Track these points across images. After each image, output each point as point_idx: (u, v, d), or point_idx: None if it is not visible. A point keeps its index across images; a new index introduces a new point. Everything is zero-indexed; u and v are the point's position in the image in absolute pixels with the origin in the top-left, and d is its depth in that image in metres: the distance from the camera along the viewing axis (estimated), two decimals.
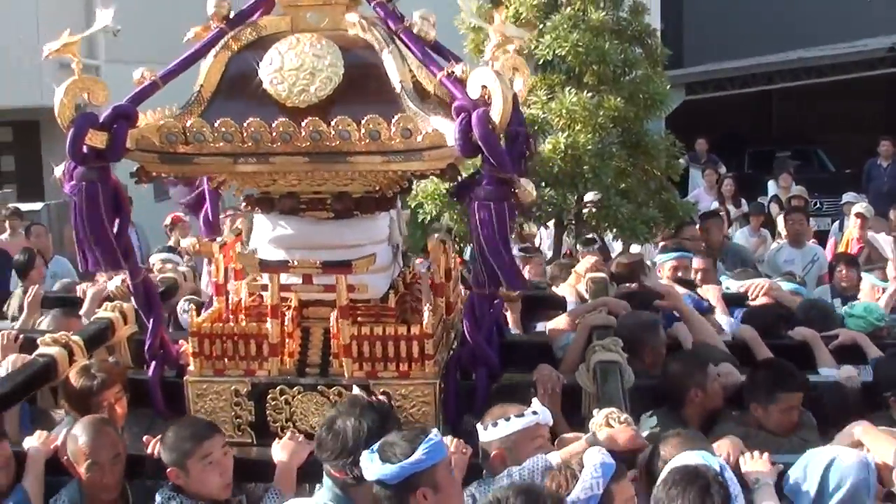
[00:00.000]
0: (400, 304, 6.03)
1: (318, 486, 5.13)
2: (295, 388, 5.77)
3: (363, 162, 5.35)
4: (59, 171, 5.61)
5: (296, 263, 5.73)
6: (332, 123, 5.26)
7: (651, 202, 11.32)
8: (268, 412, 5.79)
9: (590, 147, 10.64)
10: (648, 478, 4.83)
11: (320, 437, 4.88)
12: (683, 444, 4.86)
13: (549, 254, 12.07)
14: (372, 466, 4.38)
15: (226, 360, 5.84)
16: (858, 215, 13.55)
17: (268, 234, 5.91)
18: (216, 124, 5.34)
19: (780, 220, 14.16)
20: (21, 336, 6.99)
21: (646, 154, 11.34)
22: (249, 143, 5.33)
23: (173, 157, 5.47)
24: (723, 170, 20.99)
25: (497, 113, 5.10)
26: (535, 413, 5.08)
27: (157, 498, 5.22)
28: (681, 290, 7.74)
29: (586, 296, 7.67)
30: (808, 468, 4.94)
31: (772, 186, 19.56)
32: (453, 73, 5.38)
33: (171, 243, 12.24)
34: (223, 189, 6.03)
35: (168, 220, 13.24)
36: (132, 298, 6.26)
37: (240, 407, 5.81)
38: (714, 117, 24.51)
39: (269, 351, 5.78)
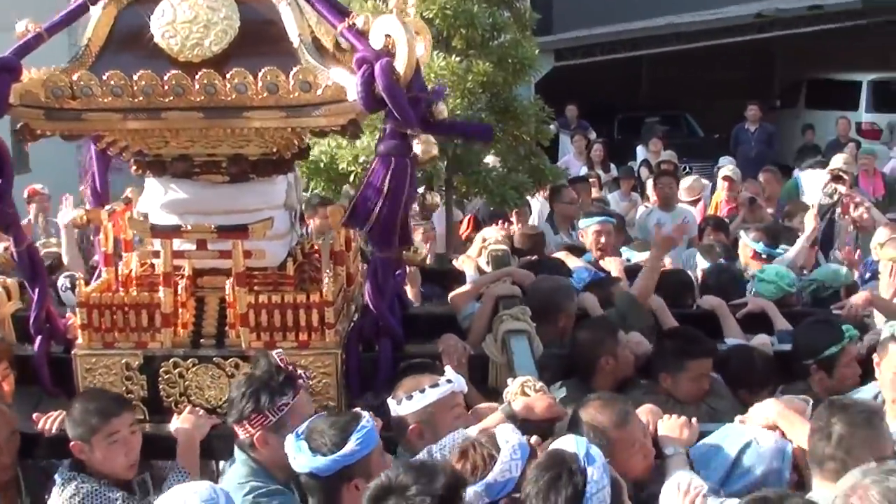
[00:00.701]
0: (298, 272, 5.78)
1: (224, 464, 4.92)
2: (189, 361, 5.50)
3: (261, 118, 5.10)
4: None
5: (189, 228, 5.46)
6: (228, 76, 5.01)
7: (520, 167, 11.11)
8: (161, 386, 5.51)
9: (459, 112, 10.36)
10: None
11: (230, 399, 4.75)
12: (604, 407, 4.73)
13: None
14: (301, 457, 4.23)
15: (116, 332, 5.54)
16: (726, 178, 13.79)
17: (160, 199, 5.62)
18: (105, 77, 5.06)
19: (649, 185, 14.32)
20: None
21: (515, 119, 11.04)
22: (140, 98, 5.06)
23: (60, 112, 5.17)
24: (593, 135, 21.30)
25: (402, 63, 4.89)
26: (449, 381, 4.87)
27: (57, 479, 4.94)
28: (576, 262, 7.60)
29: (487, 269, 7.47)
30: (723, 444, 4.83)
31: (641, 151, 19.95)
32: (354, 24, 5.17)
33: (31, 217, 11.84)
34: (112, 151, 5.72)
35: (25, 194, 12.63)
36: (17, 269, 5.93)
37: (131, 381, 5.52)
38: (584, 84, 24.49)
39: (162, 322, 5.49)
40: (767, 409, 5.02)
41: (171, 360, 5.49)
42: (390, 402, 4.88)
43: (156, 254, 5.58)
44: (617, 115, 26.25)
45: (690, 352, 5.90)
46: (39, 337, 5.83)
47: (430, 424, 4.78)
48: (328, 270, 5.61)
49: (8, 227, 5.44)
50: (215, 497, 3.92)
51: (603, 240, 9.44)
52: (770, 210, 13.33)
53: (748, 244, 8.97)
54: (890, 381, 5.35)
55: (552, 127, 11.80)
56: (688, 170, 19.94)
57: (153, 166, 5.62)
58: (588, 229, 9.56)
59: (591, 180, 14.94)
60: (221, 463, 5.27)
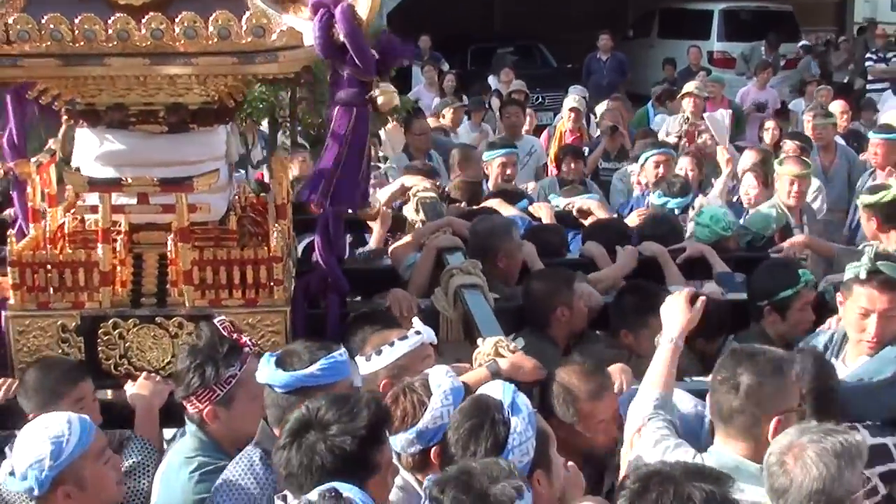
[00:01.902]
0: (239, 227, 5.58)
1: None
2: (130, 321, 5.25)
3: (211, 64, 4.89)
4: None
5: (130, 181, 5.21)
6: (177, 20, 4.78)
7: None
8: (100, 348, 5.26)
9: None
10: (544, 409, 4.55)
11: (177, 373, 4.54)
12: (584, 375, 4.65)
13: None
14: (265, 370, 4.21)
15: (50, 291, 5.28)
16: (572, 109, 13.88)
17: (94, 151, 5.35)
18: (43, 20, 4.78)
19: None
20: None
21: None
22: (81, 43, 4.80)
23: None
24: (445, 67, 21.16)
25: (364, 8, 4.73)
26: (418, 333, 4.73)
27: (7, 452, 4.55)
28: (510, 210, 7.52)
29: (414, 216, 7.34)
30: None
31: (493, 81, 19.81)
32: None
33: None
34: (43, 99, 5.43)
35: None
36: None
37: (68, 344, 5.26)
38: (437, 15, 24.39)
39: (100, 280, 5.23)
40: None
41: (111, 320, 5.24)
42: (359, 359, 4.71)
43: (93, 209, 5.31)
44: (470, 46, 25.93)
45: (652, 308, 5.73)
46: None
47: (402, 377, 4.58)
48: (276, 225, 5.41)
49: None
50: (63, 436, 3.84)
51: (509, 171, 9.61)
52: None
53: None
54: (854, 321, 5.31)
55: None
56: (540, 100, 20.12)
57: (86, 116, 5.35)
58: (492, 162, 9.61)
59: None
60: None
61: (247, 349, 4.50)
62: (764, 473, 3.74)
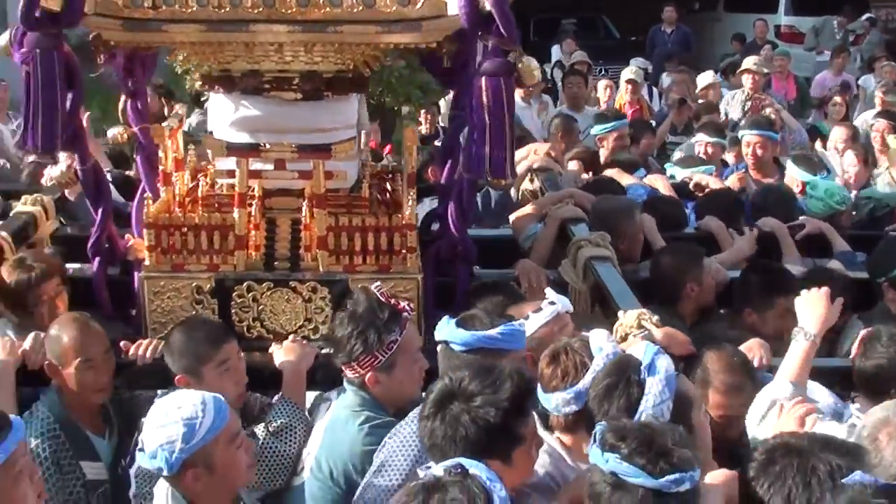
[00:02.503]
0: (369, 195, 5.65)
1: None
2: (264, 284, 5.34)
3: (355, 32, 4.95)
4: (4, 38, 5.06)
5: (268, 147, 5.29)
6: None
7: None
8: (233, 311, 5.35)
9: None
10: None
11: (336, 339, 4.53)
12: (728, 366, 4.67)
13: None
14: (446, 328, 4.35)
15: (186, 254, 5.37)
16: (629, 81, 13.68)
17: (229, 116, 5.41)
18: None
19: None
20: None
21: None
22: (227, 9, 4.87)
23: (138, 23, 4.95)
24: None
25: None
26: (552, 304, 4.76)
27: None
28: (628, 179, 7.53)
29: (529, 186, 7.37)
30: None
31: (555, 52, 19.72)
32: None
33: None
34: (182, 65, 5.50)
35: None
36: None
37: (202, 306, 5.34)
38: None
39: (235, 243, 5.32)
40: None
41: (245, 283, 5.33)
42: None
43: (229, 173, 5.39)
44: (532, 18, 25.51)
45: (779, 289, 5.76)
46: (98, 259, 5.66)
47: (543, 350, 4.52)
48: (410, 192, 5.47)
49: (74, 145, 5.23)
50: (197, 418, 3.78)
51: (624, 143, 9.56)
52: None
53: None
54: None
55: None
56: (603, 72, 19.95)
57: (222, 82, 5.41)
58: (608, 136, 9.54)
59: None
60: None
61: (405, 314, 4.51)
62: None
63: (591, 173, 8.23)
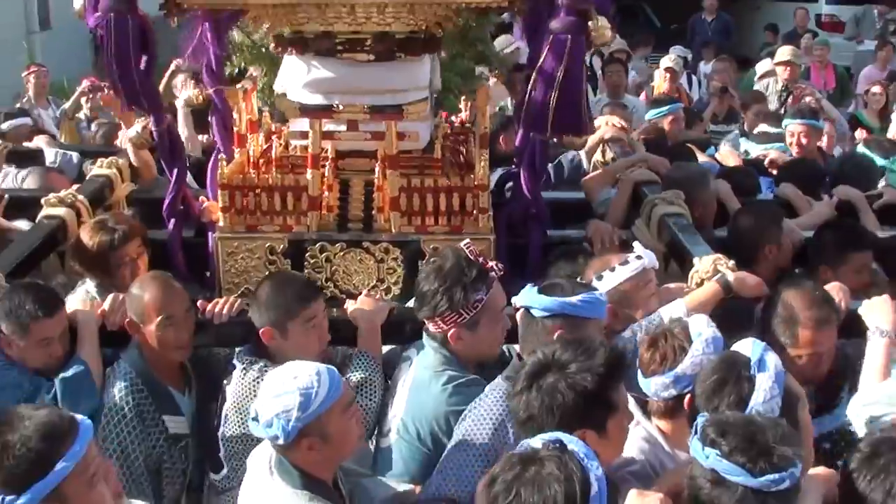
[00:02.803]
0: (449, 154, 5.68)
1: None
2: (337, 245, 5.39)
3: None
4: (78, 3, 5.15)
5: (341, 108, 5.33)
6: None
7: (465, 54, 10.88)
8: (306, 271, 5.40)
9: None
10: (764, 329, 4.59)
11: (421, 293, 4.58)
12: (811, 301, 4.59)
13: None
14: (527, 294, 4.32)
15: (259, 214, 5.43)
16: (668, 70, 13.48)
17: (302, 78, 5.46)
18: None
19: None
20: (6, 196, 6.50)
21: None
22: None
23: None
24: None
25: None
26: (639, 258, 4.77)
27: (237, 363, 4.78)
28: (701, 157, 7.52)
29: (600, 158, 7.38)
30: None
31: None
32: None
33: (86, 111, 11.60)
34: (256, 26, 5.56)
35: (85, 86, 12.05)
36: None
37: (275, 266, 5.41)
38: None
39: (308, 204, 5.37)
40: None
41: (318, 244, 5.39)
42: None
43: (302, 134, 5.44)
44: None
45: (853, 244, 5.79)
46: (173, 220, 5.74)
47: (624, 303, 4.68)
48: (482, 153, 5.49)
49: (150, 106, 5.30)
50: (312, 388, 3.81)
51: (679, 126, 9.51)
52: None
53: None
54: None
55: (505, 16, 11.57)
56: (644, 60, 19.87)
57: (294, 43, 5.46)
58: (664, 119, 9.48)
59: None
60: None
61: (492, 274, 4.54)
62: None
63: None
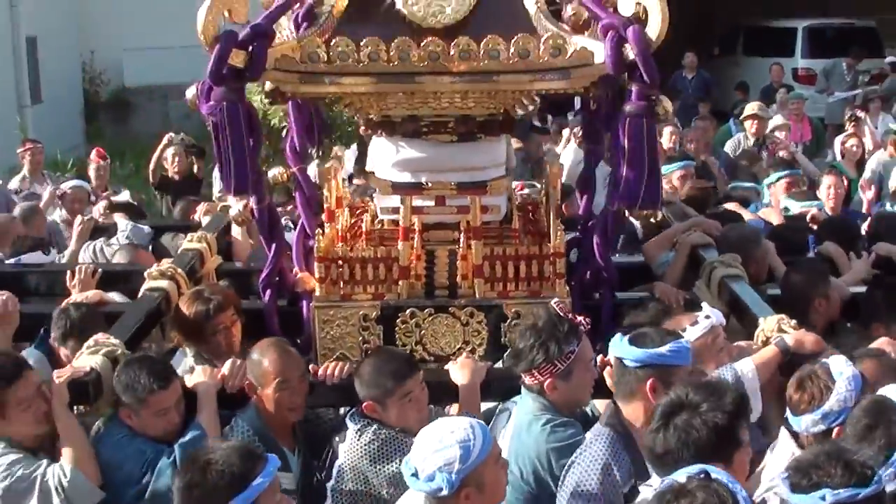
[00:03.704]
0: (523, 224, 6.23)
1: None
2: (426, 311, 5.89)
3: (511, 81, 5.51)
4: (190, 92, 5.68)
5: (430, 185, 5.89)
6: (483, 42, 5.40)
7: None
8: (397, 336, 5.90)
9: None
10: None
11: (518, 349, 5.09)
12: (879, 366, 5.06)
13: None
14: (619, 346, 4.79)
15: (353, 284, 5.94)
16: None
17: (391, 158, 6.00)
18: (362, 43, 5.43)
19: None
20: (99, 270, 7.03)
21: None
22: (395, 63, 5.44)
23: (314, 77, 5.54)
24: None
25: (654, 30, 5.30)
26: (707, 317, 5.31)
27: (350, 424, 5.27)
28: (746, 214, 8.08)
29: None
30: None
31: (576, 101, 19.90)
32: None
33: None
34: (350, 112, 6.11)
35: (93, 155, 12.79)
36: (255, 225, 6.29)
37: (368, 332, 5.91)
38: None
39: (399, 273, 5.89)
40: None
41: (409, 310, 5.89)
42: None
43: (394, 210, 5.98)
44: None
45: None
46: (269, 290, 6.25)
47: (697, 359, 5.12)
48: (557, 223, 6.02)
49: (255, 186, 5.79)
50: (470, 441, 4.16)
51: (688, 184, 10.10)
52: (703, 156, 13.27)
53: None
54: None
55: None
56: None
57: (384, 126, 6.01)
58: (671, 174, 10.10)
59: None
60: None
61: (581, 327, 5.07)
62: None
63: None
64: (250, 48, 5.39)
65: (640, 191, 5.56)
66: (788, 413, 4.69)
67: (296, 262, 6.43)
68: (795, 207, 9.05)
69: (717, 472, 3.65)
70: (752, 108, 14.58)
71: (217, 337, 6.04)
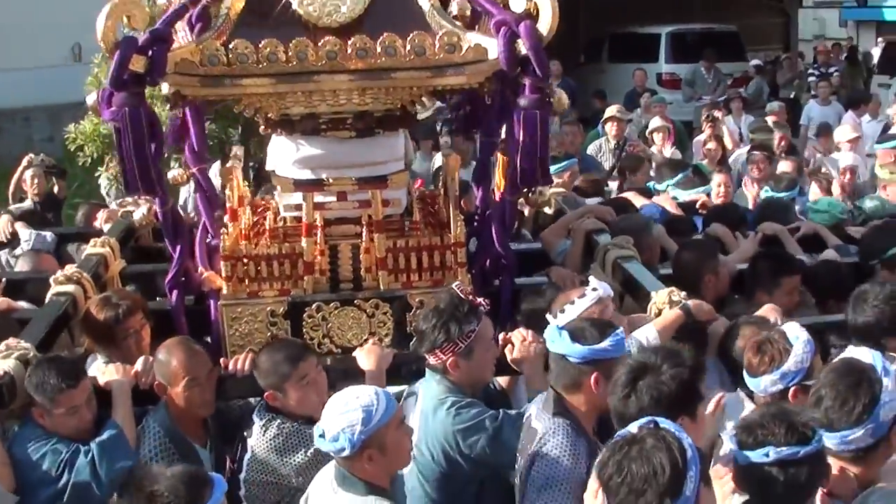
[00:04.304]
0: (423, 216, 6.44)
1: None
2: (332, 304, 6.08)
3: (408, 77, 5.71)
4: (91, 98, 5.79)
5: (331, 181, 6.06)
6: (379, 41, 5.60)
7: None
8: (305, 330, 6.08)
9: None
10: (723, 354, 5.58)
11: (421, 331, 5.31)
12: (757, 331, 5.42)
13: None
14: (560, 341, 4.94)
15: (259, 281, 6.11)
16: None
17: (292, 156, 6.16)
18: (261, 45, 5.59)
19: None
20: (3, 280, 7.11)
21: None
22: (294, 63, 5.61)
23: (214, 79, 5.66)
24: None
25: (545, 25, 5.53)
26: (595, 290, 5.56)
27: (256, 419, 5.47)
28: (642, 200, 8.40)
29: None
30: None
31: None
32: None
33: None
34: (250, 112, 6.25)
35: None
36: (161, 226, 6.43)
37: (276, 327, 6.09)
38: None
39: (304, 269, 6.07)
40: None
41: (315, 304, 6.08)
42: (548, 316, 5.47)
43: (297, 207, 6.15)
44: None
45: (784, 270, 6.81)
46: (175, 291, 6.38)
47: None
48: (457, 213, 6.23)
49: (159, 189, 5.90)
50: (372, 405, 4.46)
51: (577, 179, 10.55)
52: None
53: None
54: None
55: None
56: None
57: (283, 125, 6.16)
58: (563, 174, 10.40)
59: None
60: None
61: (481, 308, 5.30)
62: None
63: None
64: (150, 53, 5.50)
65: (537, 179, 5.82)
66: (746, 375, 5.04)
67: (199, 262, 6.56)
68: (683, 196, 9.40)
69: (665, 423, 3.88)
70: (611, 110, 15.05)
71: (127, 341, 6.13)
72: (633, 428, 3.87)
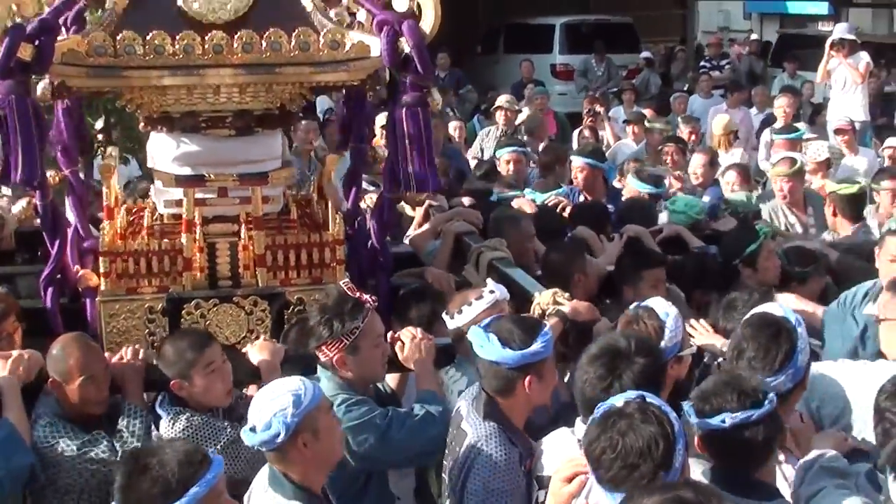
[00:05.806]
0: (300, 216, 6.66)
1: None
2: (210, 301, 6.22)
3: (292, 73, 5.96)
4: None
5: (212, 177, 6.24)
6: (265, 36, 5.84)
7: None
8: (183, 326, 6.17)
9: None
10: None
11: (309, 327, 5.48)
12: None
13: None
14: (490, 348, 4.97)
15: (138, 277, 6.23)
16: (382, 127, 14.58)
17: (172, 152, 6.32)
18: (149, 37, 5.78)
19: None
20: None
21: None
22: (180, 56, 5.81)
23: (101, 70, 5.82)
24: None
25: (428, 24, 5.83)
26: (492, 292, 5.81)
27: (162, 413, 5.51)
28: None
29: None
30: None
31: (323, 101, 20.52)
32: None
33: None
34: (131, 108, 6.39)
35: None
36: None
37: (154, 324, 6.20)
38: None
39: (183, 266, 6.20)
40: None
41: (193, 301, 6.20)
42: (445, 317, 5.77)
43: (178, 203, 6.31)
44: None
45: (645, 263, 7.23)
46: (51, 289, 6.41)
47: None
48: (335, 212, 6.46)
49: (40, 182, 6.00)
50: (300, 390, 4.55)
51: (516, 168, 11.30)
52: None
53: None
54: (886, 267, 6.67)
55: None
56: None
57: (164, 122, 6.33)
58: (502, 157, 11.35)
59: None
60: None
61: (368, 305, 5.47)
62: None
63: None
64: (37, 42, 5.62)
65: (427, 176, 6.06)
66: None
67: (71, 262, 6.63)
68: (540, 198, 9.72)
69: (651, 397, 4.11)
70: (501, 100, 15.90)
71: (0, 344, 6.11)
72: (618, 402, 4.07)
